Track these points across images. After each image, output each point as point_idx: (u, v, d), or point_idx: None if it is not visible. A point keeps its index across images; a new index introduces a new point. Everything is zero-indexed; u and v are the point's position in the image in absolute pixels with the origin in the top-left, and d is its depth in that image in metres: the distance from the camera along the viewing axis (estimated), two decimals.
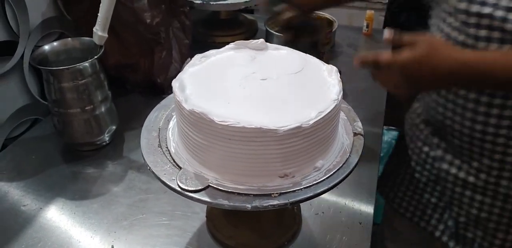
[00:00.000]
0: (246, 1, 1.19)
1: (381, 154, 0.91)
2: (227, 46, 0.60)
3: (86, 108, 0.80)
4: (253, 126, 0.45)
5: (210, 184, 0.50)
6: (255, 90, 0.52)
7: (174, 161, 0.53)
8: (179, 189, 0.49)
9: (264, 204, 0.47)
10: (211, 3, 1.18)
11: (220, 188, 0.49)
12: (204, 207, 0.71)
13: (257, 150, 0.47)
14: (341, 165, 0.53)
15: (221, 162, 0.50)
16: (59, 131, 0.84)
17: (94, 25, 0.95)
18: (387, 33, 0.64)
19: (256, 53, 0.59)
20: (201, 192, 0.49)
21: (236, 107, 0.49)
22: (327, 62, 0.57)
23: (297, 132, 0.47)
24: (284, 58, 0.58)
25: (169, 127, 0.59)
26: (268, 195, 0.49)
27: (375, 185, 0.79)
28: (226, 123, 0.46)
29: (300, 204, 0.72)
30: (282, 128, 0.46)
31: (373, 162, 0.83)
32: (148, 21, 0.93)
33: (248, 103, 0.50)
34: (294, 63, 0.57)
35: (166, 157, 0.54)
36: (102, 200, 0.76)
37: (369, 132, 0.89)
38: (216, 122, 0.46)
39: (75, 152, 0.87)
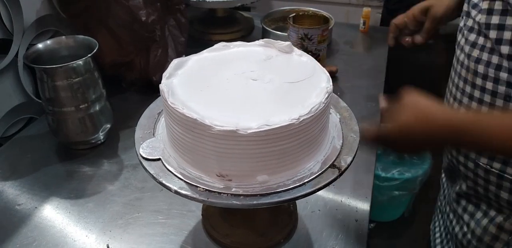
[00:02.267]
0: None
1: (378, 152, 0.91)
2: (256, 42, 0.61)
3: (81, 106, 0.80)
4: (192, 117, 0.46)
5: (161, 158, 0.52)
6: (236, 88, 0.52)
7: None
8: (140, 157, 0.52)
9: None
10: (207, 0, 1.18)
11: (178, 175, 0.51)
12: (200, 205, 0.71)
13: (194, 143, 0.48)
14: (283, 189, 0.49)
15: (188, 151, 0.51)
16: (53, 130, 0.84)
17: (89, 23, 0.95)
18: (382, 102, 0.61)
19: (276, 54, 0.58)
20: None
21: (203, 97, 0.50)
22: (324, 60, 0.57)
23: (236, 136, 0.45)
24: (297, 65, 0.57)
25: (161, 122, 0.59)
26: (195, 187, 0.49)
27: (372, 183, 0.79)
28: (186, 114, 0.46)
29: (296, 202, 0.72)
30: (217, 127, 0.45)
31: (369, 160, 0.83)
32: (144, 19, 0.93)
33: (218, 98, 0.50)
34: (301, 72, 0.55)
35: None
36: (98, 199, 0.76)
37: None
38: (178, 111, 0.47)
39: (70, 151, 0.87)
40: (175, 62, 0.55)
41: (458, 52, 0.71)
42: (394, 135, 0.56)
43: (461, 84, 0.70)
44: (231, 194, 0.48)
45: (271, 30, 1.16)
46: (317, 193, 0.51)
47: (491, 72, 0.63)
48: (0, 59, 0.87)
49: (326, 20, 1.03)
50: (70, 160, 0.84)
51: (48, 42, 0.81)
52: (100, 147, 0.88)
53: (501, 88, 0.63)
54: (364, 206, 0.74)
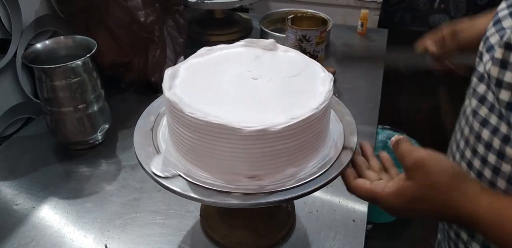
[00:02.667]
0: (240, 0, 1.19)
1: (376, 153, 0.91)
2: (237, 43, 0.60)
3: (79, 106, 0.80)
4: (219, 122, 0.45)
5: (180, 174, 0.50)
6: (242, 89, 0.52)
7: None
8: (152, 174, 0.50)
9: (222, 201, 0.47)
10: (206, 1, 1.18)
11: (189, 179, 0.50)
12: (198, 206, 0.71)
13: (223, 147, 0.47)
14: (316, 175, 0.50)
15: (196, 155, 0.50)
16: (51, 130, 0.84)
17: (87, 23, 0.95)
18: (394, 139, 0.51)
19: (263, 53, 0.58)
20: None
21: (215, 102, 0.49)
22: (322, 61, 0.57)
23: (263, 134, 0.45)
24: (288, 60, 0.57)
25: (162, 123, 0.59)
26: (228, 193, 0.48)
27: None
28: (193, 115, 0.46)
29: (294, 202, 0.72)
30: (247, 128, 0.45)
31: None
32: (142, 19, 0.93)
33: (230, 100, 0.50)
34: (295, 66, 0.56)
35: (157, 151, 0.54)
36: (96, 199, 0.76)
37: (364, 131, 0.89)
38: (201, 119, 0.46)
39: (68, 151, 0.87)
40: (168, 72, 0.53)
41: (466, 100, 0.58)
42: (391, 202, 0.46)
43: (462, 144, 0.58)
44: (268, 193, 0.48)
45: (269, 32, 1.17)
46: (315, 194, 0.51)
47: (496, 142, 0.50)
48: None
49: (324, 21, 1.04)
50: (68, 160, 0.84)
51: (47, 42, 0.81)
52: (98, 147, 0.88)
53: (506, 167, 0.49)
54: (361, 207, 0.74)
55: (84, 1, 0.94)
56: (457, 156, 0.59)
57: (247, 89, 0.52)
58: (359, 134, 0.57)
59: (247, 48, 0.60)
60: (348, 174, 0.52)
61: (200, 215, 0.70)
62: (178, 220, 0.72)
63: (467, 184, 0.44)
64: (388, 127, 1.74)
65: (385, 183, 0.48)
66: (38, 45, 0.80)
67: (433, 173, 0.44)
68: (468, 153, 0.56)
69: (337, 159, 0.53)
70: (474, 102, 0.54)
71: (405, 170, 0.46)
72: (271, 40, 0.59)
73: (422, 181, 0.44)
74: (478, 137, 0.53)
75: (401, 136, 0.50)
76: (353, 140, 0.56)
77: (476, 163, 0.54)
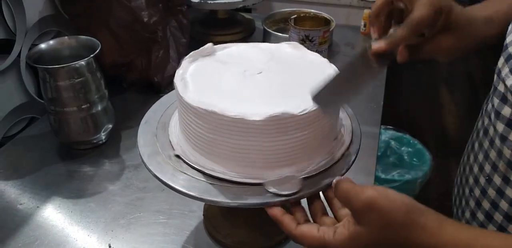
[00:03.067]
0: (243, 0, 1.19)
1: (378, 154, 0.91)
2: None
3: (83, 106, 0.80)
4: (234, 115, 0.45)
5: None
6: (254, 84, 0.52)
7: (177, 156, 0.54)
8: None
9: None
10: (209, 2, 1.18)
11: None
12: (201, 205, 0.71)
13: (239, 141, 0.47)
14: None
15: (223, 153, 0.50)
16: (55, 130, 0.84)
17: (90, 24, 0.95)
18: (334, 181, 0.46)
19: (275, 50, 0.59)
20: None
21: (229, 97, 0.49)
22: None
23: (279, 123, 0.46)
24: (299, 56, 0.58)
25: (170, 123, 0.59)
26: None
27: (372, 184, 0.79)
28: (210, 109, 0.46)
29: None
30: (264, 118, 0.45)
31: (370, 162, 0.83)
32: (146, 19, 0.93)
33: (243, 95, 0.50)
34: (306, 63, 0.57)
35: (163, 154, 0.54)
36: (99, 198, 0.76)
37: (367, 131, 0.89)
38: (201, 108, 0.47)
39: (72, 151, 0.87)
40: (179, 72, 0.54)
41: (485, 119, 0.54)
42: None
43: (487, 168, 0.52)
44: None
45: (272, 32, 1.17)
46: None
47: None
48: (3, 59, 0.87)
49: (327, 21, 1.04)
50: (71, 160, 0.85)
51: (51, 42, 0.82)
52: (101, 147, 0.88)
53: None
54: None
55: (87, 1, 0.95)
56: (482, 180, 0.55)
57: (259, 84, 0.52)
58: (362, 135, 0.57)
59: (259, 45, 0.60)
60: (288, 222, 0.45)
61: (203, 215, 0.70)
62: (181, 219, 0.72)
63: (425, 217, 0.40)
64: (390, 127, 1.74)
65: (332, 228, 0.43)
66: (42, 45, 0.80)
67: (386, 212, 0.39)
68: (497, 180, 0.52)
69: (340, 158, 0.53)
70: (501, 126, 0.50)
71: (354, 213, 0.41)
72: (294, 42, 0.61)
73: (377, 223, 0.40)
74: (510, 164, 0.48)
75: (341, 177, 0.45)
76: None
77: (509, 192, 0.49)
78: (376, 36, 0.52)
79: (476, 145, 0.58)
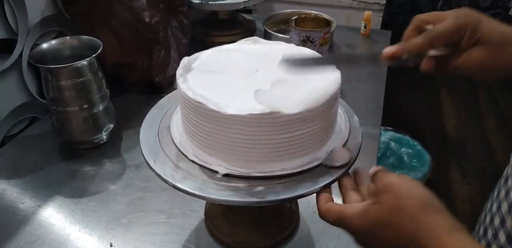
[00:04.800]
0: (244, 1, 1.19)
1: (378, 155, 0.92)
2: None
3: (84, 106, 0.81)
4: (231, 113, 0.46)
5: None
6: (253, 82, 0.53)
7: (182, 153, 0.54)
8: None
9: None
10: (210, 2, 1.19)
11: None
12: (203, 205, 0.72)
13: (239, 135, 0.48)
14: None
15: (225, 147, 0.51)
16: (57, 129, 0.84)
17: (92, 24, 0.95)
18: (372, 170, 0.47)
19: (274, 48, 0.60)
20: None
21: (230, 94, 0.50)
22: None
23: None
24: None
25: (172, 122, 0.59)
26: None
27: None
28: (209, 106, 0.47)
29: (298, 202, 0.73)
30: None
31: (370, 163, 0.84)
32: (147, 20, 0.94)
33: (243, 92, 0.50)
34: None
35: (165, 153, 0.54)
36: (100, 198, 0.76)
37: (367, 133, 0.89)
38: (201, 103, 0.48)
39: (73, 150, 0.87)
40: (180, 72, 0.54)
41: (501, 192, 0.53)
42: (354, 222, 0.43)
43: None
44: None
45: (273, 33, 1.17)
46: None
47: None
48: (5, 58, 0.87)
49: (327, 23, 1.04)
50: (73, 159, 0.85)
51: (53, 42, 0.82)
52: (103, 147, 0.88)
53: None
54: None
55: (89, 1, 0.95)
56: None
57: (257, 82, 0.53)
58: (363, 136, 0.58)
59: (258, 44, 0.61)
60: (321, 198, 0.47)
61: (204, 214, 0.71)
62: (182, 219, 0.72)
63: (437, 218, 0.39)
64: (390, 128, 1.74)
65: (351, 204, 0.45)
66: (44, 45, 0.81)
67: (401, 197, 0.40)
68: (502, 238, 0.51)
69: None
70: None
71: (375, 193, 0.43)
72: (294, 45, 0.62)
73: (389, 204, 0.40)
74: None
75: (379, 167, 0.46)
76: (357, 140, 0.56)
77: None
78: (387, 54, 0.53)
79: (495, 193, 0.57)
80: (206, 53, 0.59)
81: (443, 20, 0.50)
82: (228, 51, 0.60)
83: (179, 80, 0.53)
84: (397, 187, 0.41)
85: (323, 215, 0.46)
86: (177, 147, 0.54)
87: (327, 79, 0.53)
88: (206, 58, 0.58)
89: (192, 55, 0.58)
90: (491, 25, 0.50)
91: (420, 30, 0.52)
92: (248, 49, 0.60)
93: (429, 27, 0.52)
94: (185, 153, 0.53)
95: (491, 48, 0.49)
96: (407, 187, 0.41)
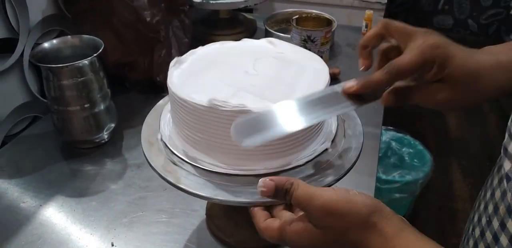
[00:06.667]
0: (245, 0, 1.19)
1: (380, 154, 0.92)
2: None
3: (85, 105, 0.81)
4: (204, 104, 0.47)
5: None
6: (244, 79, 0.53)
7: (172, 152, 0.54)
8: None
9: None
10: (211, 2, 1.18)
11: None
12: (204, 204, 0.72)
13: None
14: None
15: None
16: (58, 129, 0.84)
17: (93, 23, 0.95)
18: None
19: (268, 46, 0.60)
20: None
21: (222, 91, 0.50)
22: (327, 62, 0.58)
23: None
24: (289, 55, 0.59)
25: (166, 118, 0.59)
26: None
27: (373, 186, 0.79)
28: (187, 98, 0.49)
29: None
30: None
31: (372, 163, 0.83)
32: (148, 19, 0.94)
33: (235, 89, 0.51)
34: (285, 53, 0.59)
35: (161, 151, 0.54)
36: (102, 197, 0.76)
37: (368, 132, 0.89)
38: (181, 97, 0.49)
39: (74, 150, 0.87)
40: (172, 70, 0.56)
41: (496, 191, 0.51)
42: (295, 240, 0.42)
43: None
44: None
45: (274, 32, 1.17)
46: None
47: None
48: (6, 58, 0.87)
49: (329, 22, 1.04)
50: (74, 159, 0.85)
51: (54, 41, 0.82)
52: (104, 146, 0.88)
53: None
54: None
55: (90, 0, 0.95)
56: (484, 220, 0.53)
57: (249, 79, 0.53)
58: (364, 136, 0.58)
59: (253, 42, 0.61)
60: (260, 216, 0.46)
61: (206, 214, 0.71)
62: (183, 218, 0.72)
63: (386, 222, 0.39)
64: (391, 128, 1.74)
65: (290, 220, 0.43)
66: (46, 45, 0.81)
67: (344, 215, 0.39)
68: (496, 224, 0.49)
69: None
70: (508, 164, 0.47)
71: (312, 219, 0.41)
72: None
73: (334, 226, 0.39)
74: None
75: (267, 179, 0.44)
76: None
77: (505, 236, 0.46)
78: (362, 68, 0.51)
79: (489, 182, 0.56)
80: (202, 49, 0.59)
81: (408, 46, 0.45)
82: (227, 48, 0.60)
83: (168, 76, 0.54)
84: (333, 206, 0.39)
85: (263, 234, 0.44)
86: (170, 149, 0.55)
87: (317, 79, 0.53)
88: (201, 54, 0.59)
89: (189, 51, 0.59)
90: (458, 62, 0.45)
91: (382, 38, 0.50)
92: (246, 47, 0.60)
93: (392, 41, 0.49)
94: (185, 153, 0.53)
95: (457, 87, 0.46)
96: (346, 203, 0.39)
